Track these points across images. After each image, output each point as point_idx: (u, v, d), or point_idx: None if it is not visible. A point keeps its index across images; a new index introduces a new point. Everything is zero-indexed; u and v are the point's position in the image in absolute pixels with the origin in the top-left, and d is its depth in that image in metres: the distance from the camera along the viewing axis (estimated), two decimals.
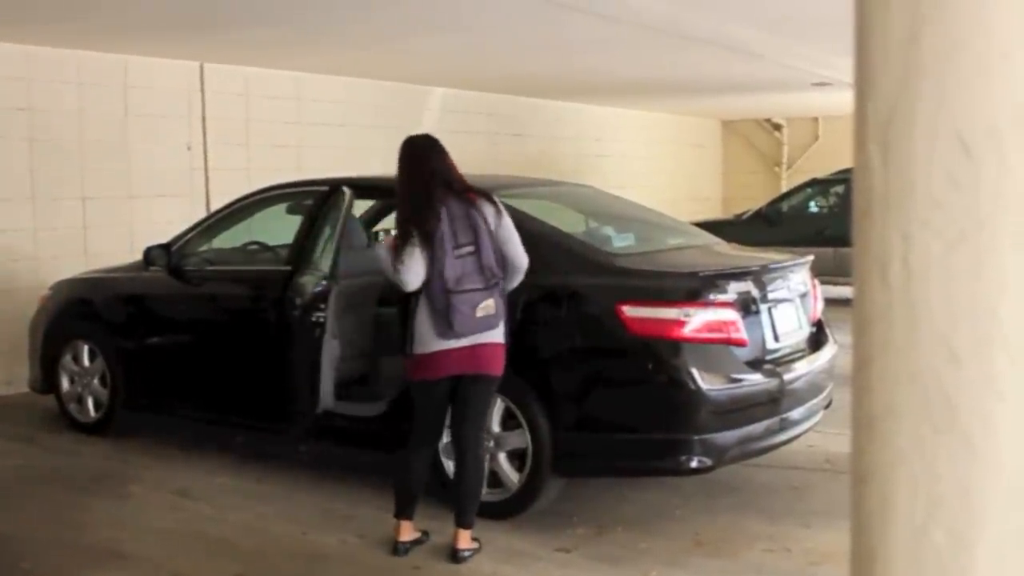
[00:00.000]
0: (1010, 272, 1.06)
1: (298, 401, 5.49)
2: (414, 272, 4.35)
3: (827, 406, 5.58)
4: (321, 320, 5.41)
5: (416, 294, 4.41)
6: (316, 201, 5.93)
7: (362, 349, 6.07)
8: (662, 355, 4.74)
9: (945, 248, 1.07)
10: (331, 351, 5.50)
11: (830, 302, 6.29)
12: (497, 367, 4.51)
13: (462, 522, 4.58)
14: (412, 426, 4.66)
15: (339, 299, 5.57)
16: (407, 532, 4.68)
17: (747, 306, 5.03)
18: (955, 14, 1.06)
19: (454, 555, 4.58)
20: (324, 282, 5.50)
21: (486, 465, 4.77)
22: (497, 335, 4.48)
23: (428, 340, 4.41)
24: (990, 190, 1.05)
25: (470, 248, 4.40)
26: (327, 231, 5.72)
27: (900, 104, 1.09)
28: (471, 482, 4.56)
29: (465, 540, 4.59)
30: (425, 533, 4.76)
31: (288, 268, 5.76)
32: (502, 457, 5.01)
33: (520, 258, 4.53)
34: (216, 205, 7.57)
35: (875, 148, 1.11)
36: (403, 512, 4.66)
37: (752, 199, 15.28)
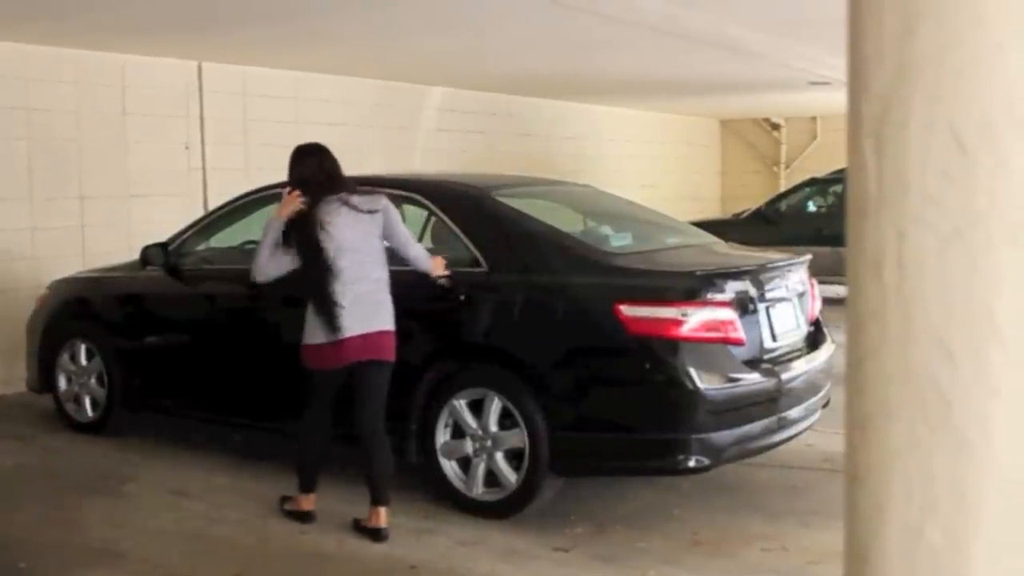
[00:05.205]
0: (1005, 268, 1.05)
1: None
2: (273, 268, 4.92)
3: (825, 405, 5.57)
4: None
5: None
6: None
7: None
8: (660, 354, 4.73)
9: (940, 244, 1.06)
10: None
11: (828, 301, 6.28)
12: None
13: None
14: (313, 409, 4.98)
15: None
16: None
17: (745, 305, 5.02)
18: (950, 8, 1.05)
19: (378, 534, 4.78)
20: None
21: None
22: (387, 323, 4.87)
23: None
24: (985, 185, 1.04)
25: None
26: None
27: (894, 98, 1.08)
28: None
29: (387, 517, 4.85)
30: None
31: None
32: (499, 456, 5.00)
33: (411, 247, 5.02)
34: (214, 204, 7.55)
35: (869, 143, 1.10)
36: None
37: (750, 198, 15.27)
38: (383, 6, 6.96)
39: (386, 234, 4.92)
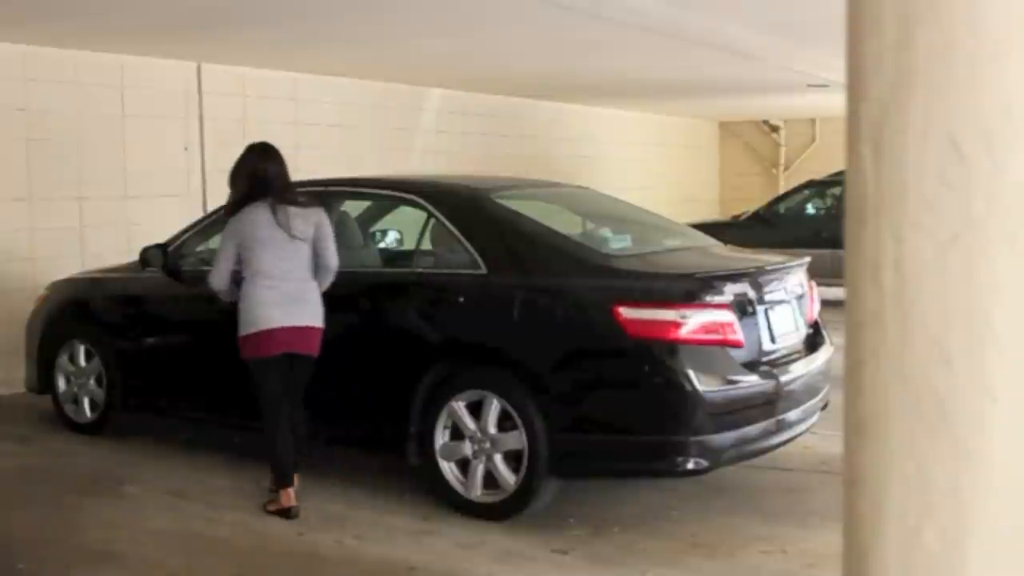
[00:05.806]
0: (1003, 273, 1.06)
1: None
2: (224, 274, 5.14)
3: (824, 408, 5.57)
4: None
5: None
6: None
7: None
8: (658, 356, 4.73)
9: (937, 249, 1.07)
10: None
11: (827, 304, 6.29)
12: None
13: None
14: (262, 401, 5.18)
15: None
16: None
17: (744, 308, 5.03)
18: (947, 16, 1.06)
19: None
20: None
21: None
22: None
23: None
24: (982, 191, 1.05)
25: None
26: None
27: (892, 105, 1.09)
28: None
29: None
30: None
31: None
32: (498, 458, 5.00)
33: (331, 258, 5.16)
34: (213, 206, 7.56)
35: (867, 149, 1.11)
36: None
37: (749, 201, 15.29)
38: (382, 8, 6.97)
39: (314, 239, 5.13)
